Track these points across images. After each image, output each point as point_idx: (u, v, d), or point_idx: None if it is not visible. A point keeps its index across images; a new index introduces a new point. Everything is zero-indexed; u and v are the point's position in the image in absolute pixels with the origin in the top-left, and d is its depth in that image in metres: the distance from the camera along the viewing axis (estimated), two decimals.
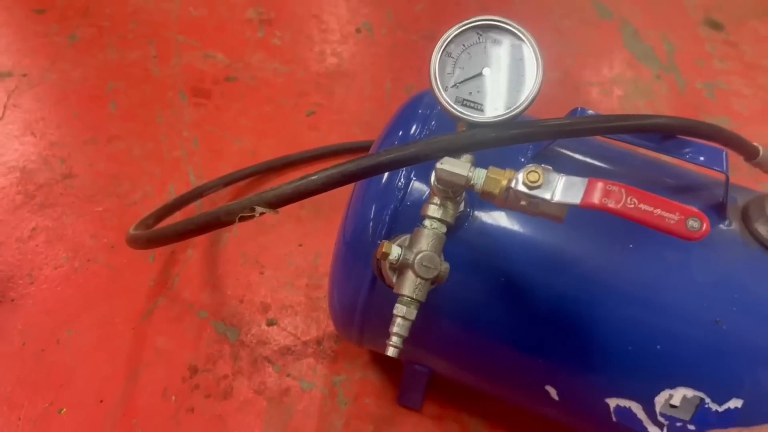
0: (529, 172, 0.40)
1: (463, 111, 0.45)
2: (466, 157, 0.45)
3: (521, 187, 0.40)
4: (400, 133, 0.61)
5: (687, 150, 0.55)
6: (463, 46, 0.47)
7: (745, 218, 0.56)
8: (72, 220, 0.85)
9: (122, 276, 0.80)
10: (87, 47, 1.09)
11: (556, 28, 1.28)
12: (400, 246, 0.47)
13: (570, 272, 0.54)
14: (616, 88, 1.17)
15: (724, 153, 0.55)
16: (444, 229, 0.47)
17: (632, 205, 0.37)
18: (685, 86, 1.18)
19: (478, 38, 0.46)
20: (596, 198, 0.38)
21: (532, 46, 0.45)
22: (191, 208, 0.86)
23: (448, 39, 0.46)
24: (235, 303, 0.79)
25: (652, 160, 0.64)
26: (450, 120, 0.47)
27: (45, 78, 1.03)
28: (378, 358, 0.75)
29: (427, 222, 0.47)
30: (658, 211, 0.37)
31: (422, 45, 1.19)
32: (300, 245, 0.85)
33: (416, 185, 0.56)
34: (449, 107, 0.45)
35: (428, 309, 0.56)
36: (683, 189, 0.60)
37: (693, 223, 0.36)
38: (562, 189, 0.39)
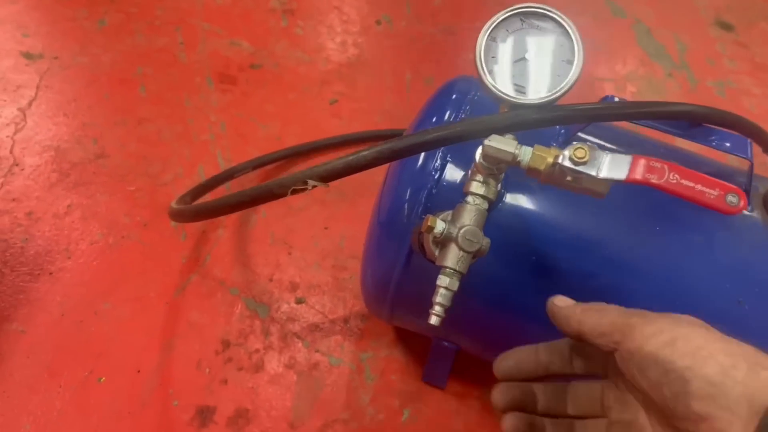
0: (576, 149, 0.42)
1: (507, 93, 0.48)
2: (510, 136, 0.47)
3: (567, 163, 0.42)
4: (434, 118, 0.63)
5: (713, 137, 0.57)
6: (507, 31, 0.49)
7: (767, 204, 0.59)
8: (106, 198, 0.87)
9: (156, 253, 0.82)
10: (116, 32, 1.11)
11: None
12: (443, 221, 0.49)
13: (599, 253, 0.56)
14: (629, 85, 1.19)
15: (748, 141, 0.57)
16: (486, 205, 0.50)
17: (674, 181, 0.39)
18: (696, 84, 1.20)
19: (521, 24, 0.49)
20: (640, 174, 0.40)
21: (573, 33, 0.47)
22: (220, 190, 0.88)
23: (493, 24, 0.49)
24: (265, 281, 0.81)
25: (676, 149, 0.66)
26: (492, 102, 0.49)
27: (75, 61, 1.05)
28: (402, 337, 0.78)
29: (470, 198, 0.50)
30: (699, 187, 0.39)
31: (441, 38, 1.21)
32: (326, 228, 0.87)
33: (451, 168, 0.57)
34: (494, 89, 0.47)
35: (461, 287, 0.59)
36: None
37: (732, 199, 0.39)
38: (607, 165, 0.42)
